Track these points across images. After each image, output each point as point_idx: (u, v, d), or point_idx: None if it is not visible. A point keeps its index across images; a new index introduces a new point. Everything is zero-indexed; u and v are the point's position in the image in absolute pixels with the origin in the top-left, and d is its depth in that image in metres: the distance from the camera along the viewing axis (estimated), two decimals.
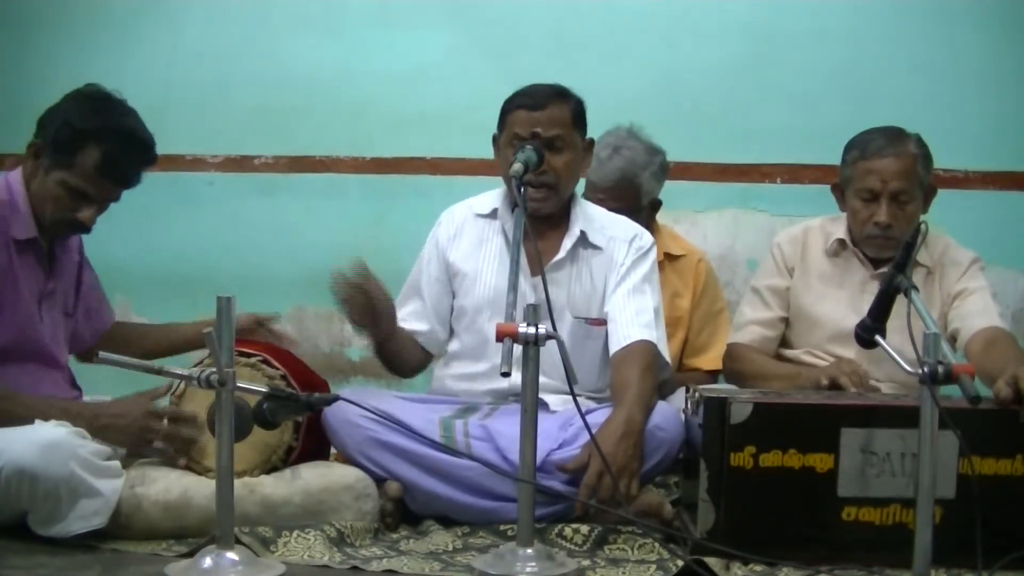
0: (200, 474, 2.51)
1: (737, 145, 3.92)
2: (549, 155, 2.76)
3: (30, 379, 2.60)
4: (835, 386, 2.70)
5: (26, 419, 2.39)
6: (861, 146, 2.91)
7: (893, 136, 2.90)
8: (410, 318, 2.88)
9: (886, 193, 2.85)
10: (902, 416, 2.26)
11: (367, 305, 2.65)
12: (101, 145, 2.54)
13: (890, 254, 2.85)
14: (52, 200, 2.58)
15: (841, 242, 2.99)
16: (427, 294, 2.90)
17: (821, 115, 3.82)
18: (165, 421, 2.52)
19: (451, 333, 2.94)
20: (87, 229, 2.65)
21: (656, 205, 3.40)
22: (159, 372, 2.24)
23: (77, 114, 2.56)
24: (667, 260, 3.35)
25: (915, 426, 2.06)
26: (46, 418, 2.40)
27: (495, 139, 2.88)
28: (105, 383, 2.90)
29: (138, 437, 2.51)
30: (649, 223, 3.27)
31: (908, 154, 2.87)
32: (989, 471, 2.29)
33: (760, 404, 2.31)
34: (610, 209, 3.02)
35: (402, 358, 2.89)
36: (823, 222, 3.07)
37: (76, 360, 2.89)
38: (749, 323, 3.05)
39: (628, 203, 3.21)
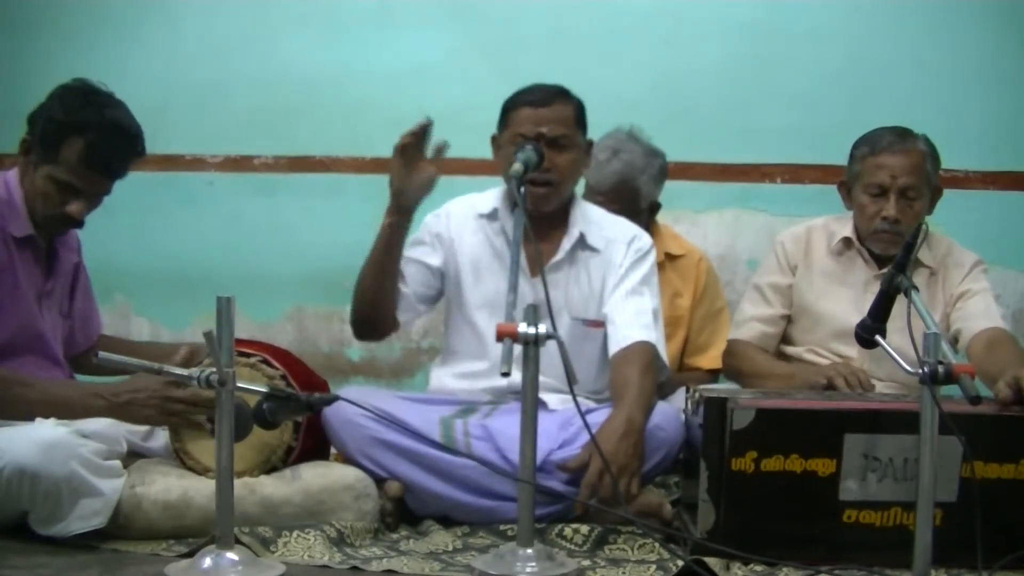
0: (200, 474, 2.51)
1: (737, 145, 3.93)
2: (553, 153, 2.75)
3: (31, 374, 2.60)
4: (831, 387, 2.70)
5: (44, 402, 2.41)
6: (871, 142, 2.92)
7: (902, 133, 2.92)
8: None
9: (895, 188, 2.86)
10: (905, 421, 2.25)
11: (413, 162, 2.66)
12: (84, 136, 2.53)
13: (896, 251, 2.85)
14: (41, 195, 2.57)
15: (846, 240, 2.99)
16: (410, 267, 2.86)
17: (821, 115, 3.82)
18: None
19: (447, 331, 2.94)
20: (78, 223, 2.64)
21: (655, 207, 3.40)
22: (159, 372, 2.24)
23: (60, 108, 2.55)
24: (667, 260, 3.36)
25: (919, 431, 2.06)
26: (66, 398, 2.42)
27: (494, 139, 2.88)
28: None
29: (161, 408, 2.49)
30: (648, 225, 3.27)
31: (917, 151, 2.89)
32: (992, 475, 2.28)
33: (763, 410, 2.30)
34: (609, 211, 3.02)
35: (383, 294, 2.80)
36: (827, 221, 3.08)
37: None
38: (750, 319, 3.05)
39: (627, 205, 3.21)
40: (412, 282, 2.87)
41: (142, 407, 2.48)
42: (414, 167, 2.69)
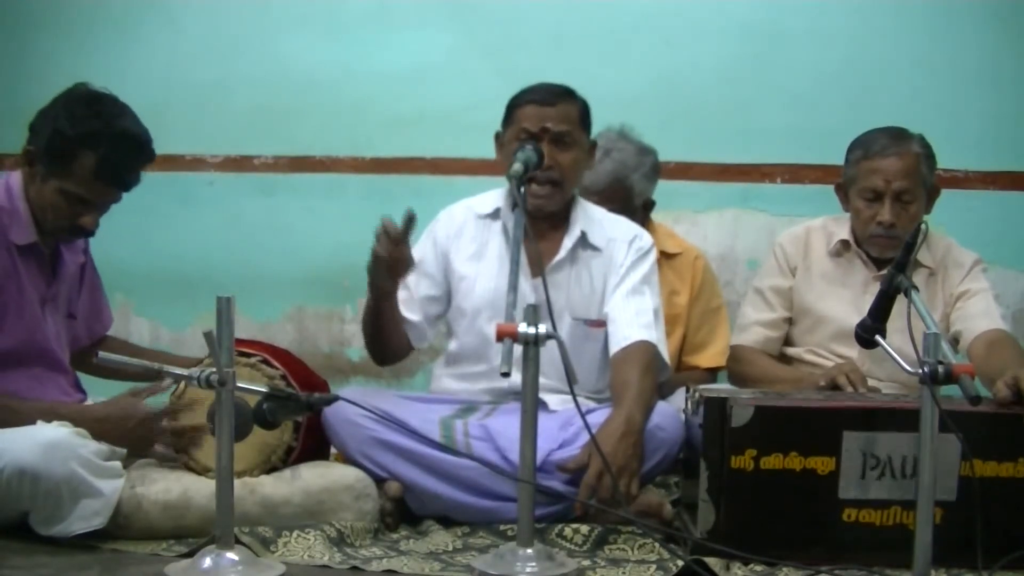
0: (200, 474, 2.51)
1: (737, 145, 3.92)
2: (557, 151, 2.76)
3: (35, 383, 2.60)
4: (834, 387, 2.70)
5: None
6: (865, 146, 2.92)
7: (896, 136, 2.91)
8: (400, 306, 2.84)
9: (889, 192, 2.86)
10: (904, 419, 2.26)
11: (394, 258, 2.60)
12: (96, 150, 2.49)
13: (893, 254, 2.85)
14: (52, 208, 2.54)
15: (844, 243, 2.99)
16: (416, 287, 2.88)
17: (821, 115, 3.82)
18: (165, 421, 2.52)
19: (449, 333, 2.94)
20: (91, 233, 2.63)
21: (649, 205, 3.40)
22: (159, 372, 2.24)
23: (68, 120, 2.50)
24: (664, 258, 3.35)
25: (917, 429, 2.06)
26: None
27: (498, 136, 2.88)
28: (106, 385, 2.89)
29: (142, 440, 2.52)
30: (644, 223, 3.26)
31: (911, 154, 2.88)
32: (991, 474, 2.29)
33: (762, 407, 2.31)
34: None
35: (390, 338, 2.83)
36: (825, 222, 3.08)
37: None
38: (753, 324, 3.05)
39: (620, 204, 3.21)
40: (420, 312, 2.87)
41: (124, 437, 2.50)
42: (395, 263, 2.61)
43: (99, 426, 2.47)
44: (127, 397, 2.56)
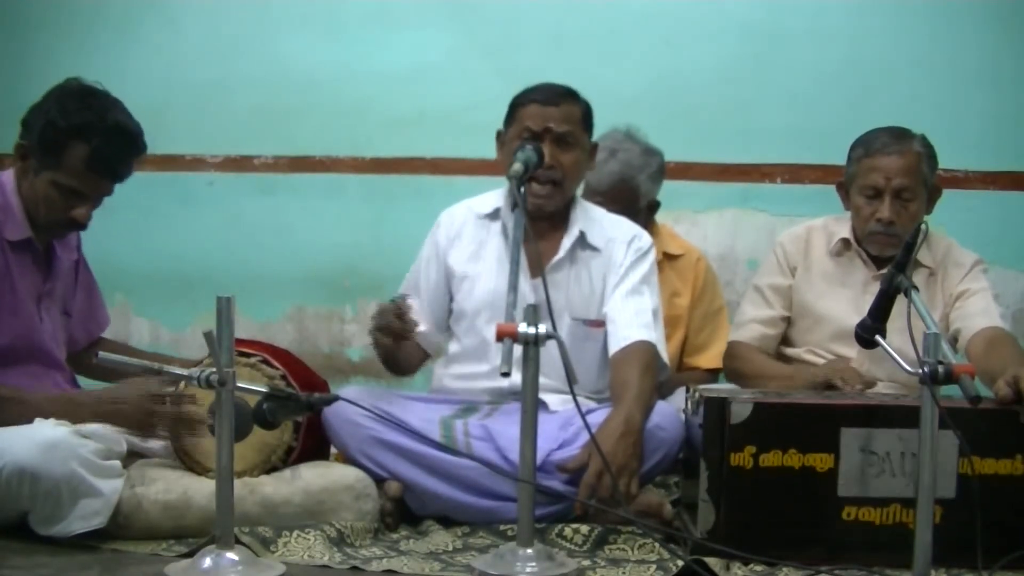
0: (200, 474, 2.51)
1: (737, 145, 3.92)
2: (558, 151, 2.76)
3: (31, 380, 2.59)
4: (829, 386, 2.70)
5: (30, 418, 2.39)
6: (866, 144, 2.93)
7: (898, 134, 2.92)
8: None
9: (889, 190, 2.87)
10: (902, 416, 2.26)
11: (395, 335, 2.63)
12: (87, 141, 2.51)
13: (892, 252, 2.86)
14: (44, 201, 2.55)
15: (845, 241, 3.00)
16: (425, 295, 2.90)
17: (821, 115, 3.82)
18: (168, 403, 2.51)
19: (450, 334, 2.94)
20: (83, 226, 2.63)
21: (654, 206, 3.40)
22: (159, 372, 2.24)
23: (59, 112, 2.52)
24: (666, 259, 3.36)
25: (915, 426, 2.06)
26: (50, 413, 2.40)
27: (499, 134, 2.88)
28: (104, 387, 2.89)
29: (143, 421, 2.50)
30: (647, 224, 3.27)
31: (912, 152, 2.89)
32: (989, 471, 2.29)
33: (760, 404, 2.31)
34: (608, 211, 3.02)
35: (404, 359, 2.86)
36: (826, 221, 3.08)
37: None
38: (750, 321, 3.05)
39: (626, 205, 3.21)
40: (429, 304, 2.88)
41: (124, 417, 2.49)
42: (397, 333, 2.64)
43: (100, 408, 2.46)
44: (134, 380, 2.54)
